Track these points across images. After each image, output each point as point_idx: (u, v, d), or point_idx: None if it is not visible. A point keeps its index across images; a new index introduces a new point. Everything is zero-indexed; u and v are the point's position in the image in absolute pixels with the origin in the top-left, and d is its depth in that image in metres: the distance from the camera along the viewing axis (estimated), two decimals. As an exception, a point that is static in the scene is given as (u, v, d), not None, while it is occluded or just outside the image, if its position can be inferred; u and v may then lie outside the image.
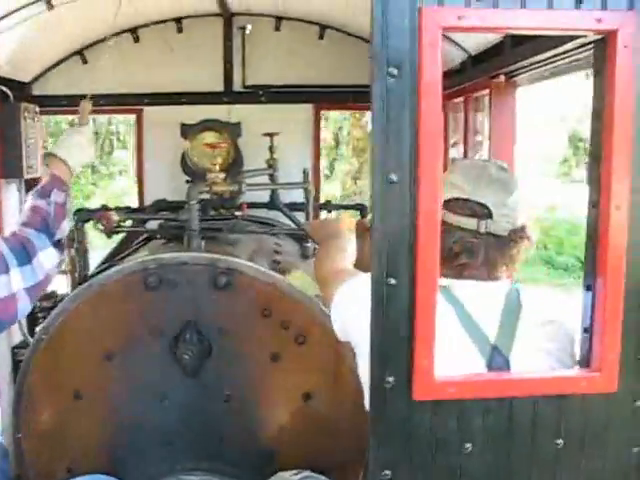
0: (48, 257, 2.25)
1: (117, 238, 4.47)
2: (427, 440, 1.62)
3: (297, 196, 4.28)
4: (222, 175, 3.44)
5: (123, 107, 4.97)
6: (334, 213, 4.87)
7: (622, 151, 1.56)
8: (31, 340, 3.12)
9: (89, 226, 3.94)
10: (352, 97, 4.61)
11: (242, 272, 2.82)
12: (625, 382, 1.63)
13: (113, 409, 2.87)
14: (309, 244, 3.96)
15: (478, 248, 1.87)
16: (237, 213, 4.07)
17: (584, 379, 1.63)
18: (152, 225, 4.05)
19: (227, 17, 4.64)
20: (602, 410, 1.66)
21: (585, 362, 1.69)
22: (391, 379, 1.59)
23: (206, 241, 3.32)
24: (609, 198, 1.57)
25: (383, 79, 1.46)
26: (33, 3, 3.32)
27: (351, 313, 1.94)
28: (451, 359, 1.73)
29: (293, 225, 4.13)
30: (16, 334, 3.91)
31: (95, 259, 4.54)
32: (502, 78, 3.23)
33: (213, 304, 2.83)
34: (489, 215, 1.87)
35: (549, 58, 2.64)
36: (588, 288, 1.66)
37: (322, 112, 5.18)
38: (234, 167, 4.31)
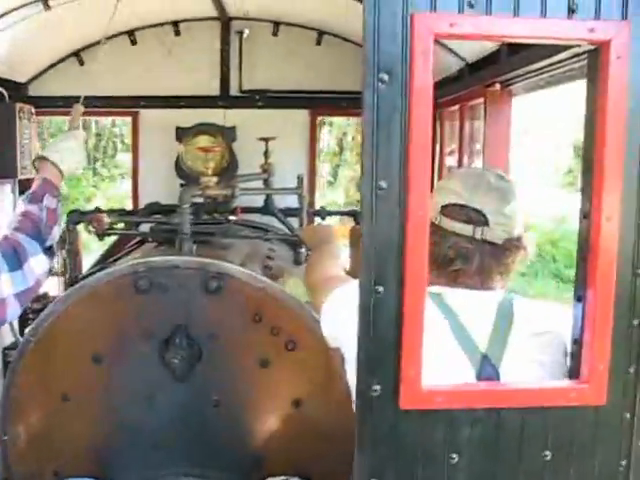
0: (39, 263, 2.23)
1: (110, 241, 4.46)
2: (413, 450, 1.60)
3: (292, 201, 4.27)
4: (215, 179, 3.43)
5: (119, 109, 4.97)
6: (328, 220, 4.86)
7: (614, 162, 1.55)
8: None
9: (82, 229, 3.93)
10: (349, 103, 4.60)
11: (233, 277, 2.81)
12: (614, 394, 1.62)
13: (101, 412, 2.85)
14: (303, 250, 3.95)
15: (472, 254, 1.86)
16: (231, 217, 4.06)
17: (573, 390, 1.62)
18: (145, 228, 4.04)
19: (225, 21, 4.64)
20: (591, 422, 1.64)
21: (574, 374, 1.67)
22: (378, 387, 1.57)
23: (199, 245, 3.31)
24: (600, 209, 1.55)
25: (373, 85, 1.45)
26: (30, 3, 3.32)
27: (340, 319, 1.92)
28: (441, 368, 1.71)
29: (287, 230, 4.12)
30: (7, 335, 3.88)
31: (90, 262, 4.52)
32: (497, 87, 3.23)
33: (203, 308, 2.81)
34: (485, 222, 1.86)
35: (544, 67, 2.64)
36: (578, 299, 1.65)
37: (319, 118, 5.18)
38: (228, 171, 4.31)
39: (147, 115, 4.79)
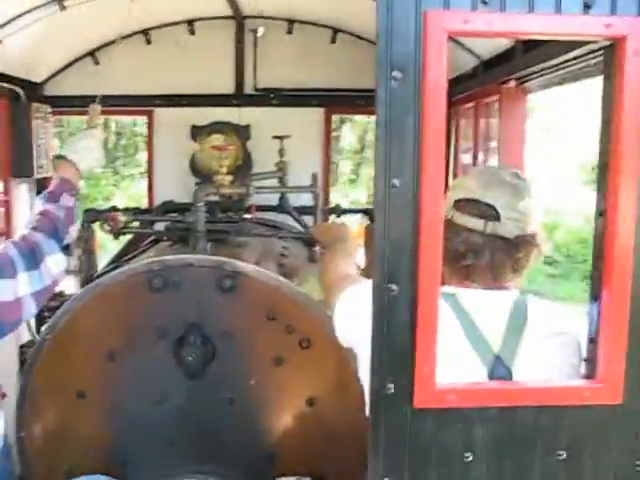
0: (56, 262, 2.24)
1: (126, 239, 4.49)
2: (427, 448, 1.60)
3: (307, 200, 4.27)
4: (229, 177, 3.43)
5: (134, 108, 4.99)
6: (344, 218, 4.86)
7: (630, 159, 1.53)
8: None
9: (98, 227, 3.95)
10: (364, 101, 4.59)
11: (247, 275, 2.81)
12: (631, 394, 1.60)
13: (115, 410, 2.86)
14: (317, 248, 3.95)
15: (483, 249, 1.85)
16: (246, 216, 4.07)
17: (588, 390, 1.61)
18: (160, 227, 4.05)
19: (239, 20, 4.65)
20: (606, 422, 1.63)
21: (590, 373, 1.66)
22: (392, 386, 1.57)
23: (213, 243, 3.32)
24: (616, 207, 1.54)
25: (386, 83, 1.45)
26: (46, 4, 3.34)
27: (353, 318, 1.92)
28: (453, 368, 1.71)
29: (301, 229, 4.12)
30: (24, 333, 3.92)
31: (106, 261, 4.55)
32: (512, 84, 3.21)
33: (218, 307, 2.81)
34: (497, 217, 1.86)
35: (560, 64, 2.61)
36: (594, 298, 1.64)
37: (336, 116, 5.17)
38: (242, 170, 4.32)
39: (162, 114, 4.81)
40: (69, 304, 2.87)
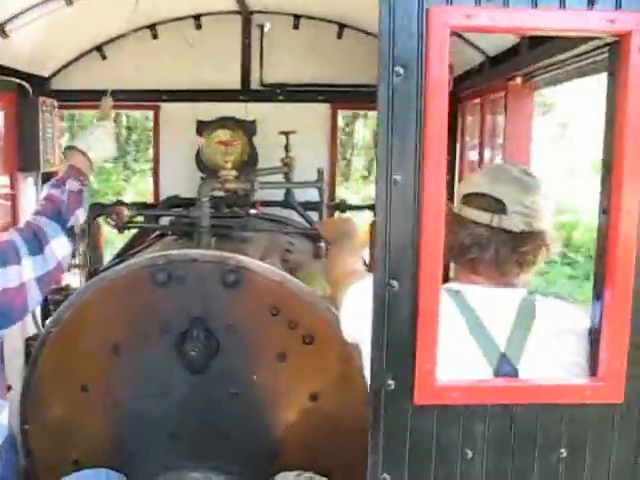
0: (60, 245, 2.24)
1: (131, 234, 4.50)
2: (427, 445, 1.60)
3: (312, 195, 4.27)
4: (234, 172, 3.43)
5: (141, 103, 5.00)
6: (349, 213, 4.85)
7: (634, 158, 1.52)
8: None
9: (103, 222, 3.96)
10: (370, 96, 4.57)
11: (251, 270, 2.81)
12: (631, 392, 1.60)
13: (119, 403, 2.87)
14: (322, 243, 3.94)
15: (488, 242, 1.85)
16: (251, 211, 4.07)
17: (589, 388, 1.60)
18: (165, 221, 4.06)
19: (246, 15, 4.64)
20: (608, 420, 1.63)
21: (592, 371, 1.65)
22: (392, 382, 1.57)
23: (217, 238, 3.32)
24: (619, 205, 1.53)
25: (389, 78, 1.44)
26: (52, -1, 3.35)
27: (359, 314, 1.92)
28: (458, 366, 1.70)
29: (307, 224, 4.12)
30: (30, 326, 3.94)
31: (111, 255, 4.57)
32: (519, 80, 3.19)
33: (221, 301, 2.82)
34: (503, 210, 1.85)
35: (566, 60, 2.59)
36: (597, 297, 1.63)
37: (344, 111, 5.16)
38: (248, 165, 4.32)
39: (168, 109, 4.81)
40: (74, 297, 2.89)
